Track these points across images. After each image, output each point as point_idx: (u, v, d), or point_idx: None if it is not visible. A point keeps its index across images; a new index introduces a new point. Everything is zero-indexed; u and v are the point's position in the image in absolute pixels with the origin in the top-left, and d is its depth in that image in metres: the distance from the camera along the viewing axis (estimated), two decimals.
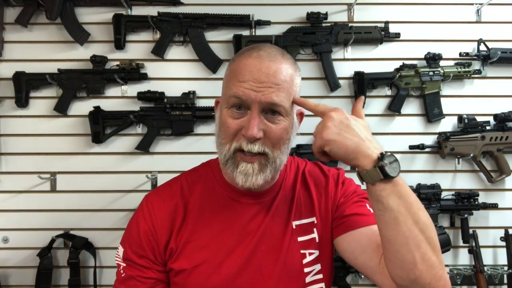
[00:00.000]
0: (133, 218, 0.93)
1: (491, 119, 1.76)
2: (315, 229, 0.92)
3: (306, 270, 0.89)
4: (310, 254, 0.90)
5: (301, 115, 0.92)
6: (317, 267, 0.90)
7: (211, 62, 1.74)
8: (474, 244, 1.69)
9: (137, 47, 1.77)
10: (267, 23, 1.75)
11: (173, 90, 1.74)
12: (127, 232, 0.92)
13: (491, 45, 1.73)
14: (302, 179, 0.97)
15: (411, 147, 1.72)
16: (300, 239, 0.91)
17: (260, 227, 0.89)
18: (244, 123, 0.81)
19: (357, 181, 0.87)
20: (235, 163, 0.83)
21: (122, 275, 0.89)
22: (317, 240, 0.92)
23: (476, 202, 1.69)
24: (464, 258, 1.75)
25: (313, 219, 0.93)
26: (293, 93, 0.85)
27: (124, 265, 0.89)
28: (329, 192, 0.95)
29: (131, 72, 1.72)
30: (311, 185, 0.96)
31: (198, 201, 0.91)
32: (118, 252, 0.92)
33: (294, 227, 0.91)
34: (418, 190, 1.69)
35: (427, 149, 1.73)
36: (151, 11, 1.74)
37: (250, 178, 0.82)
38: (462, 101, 1.78)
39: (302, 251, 0.89)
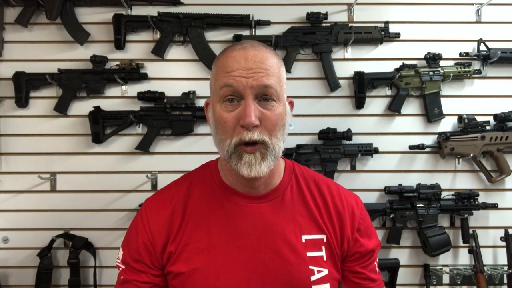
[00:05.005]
0: (132, 222, 0.94)
1: (491, 119, 1.76)
2: (323, 247, 0.90)
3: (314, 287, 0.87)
4: (319, 271, 0.88)
5: (291, 104, 0.93)
6: (326, 286, 0.88)
7: (211, 62, 1.72)
8: (474, 244, 1.69)
9: (137, 47, 1.77)
10: (267, 23, 1.75)
11: (173, 90, 1.74)
12: (127, 237, 0.93)
13: (491, 45, 1.73)
14: (308, 190, 0.95)
15: (411, 147, 1.72)
16: (309, 254, 0.88)
17: (260, 232, 0.88)
18: (240, 114, 0.81)
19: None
20: (238, 156, 0.83)
21: (121, 278, 0.90)
22: (324, 259, 0.90)
23: (476, 202, 1.69)
24: (464, 258, 1.75)
25: (323, 236, 0.91)
26: (282, 80, 0.85)
27: (123, 267, 0.90)
28: (344, 220, 0.93)
29: (131, 72, 1.72)
30: (319, 200, 0.94)
31: (196, 204, 0.91)
32: (119, 254, 0.93)
33: (304, 241, 0.89)
34: (418, 190, 1.69)
35: (427, 149, 1.73)
36: (151, 11, 1.74)
37: (254, 167, 0.82)
38: (462, 101, 1.78)
39: (310, 267, 0.87)
